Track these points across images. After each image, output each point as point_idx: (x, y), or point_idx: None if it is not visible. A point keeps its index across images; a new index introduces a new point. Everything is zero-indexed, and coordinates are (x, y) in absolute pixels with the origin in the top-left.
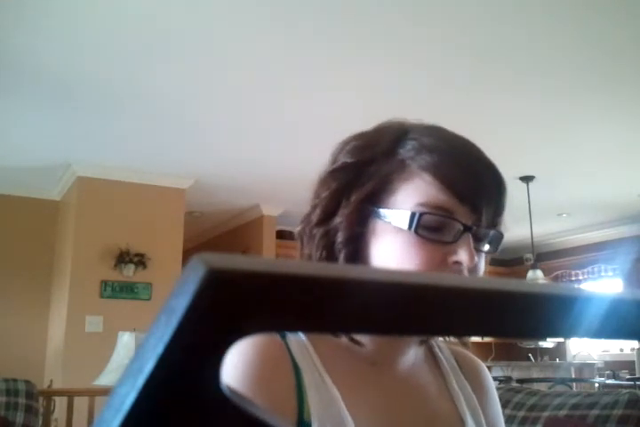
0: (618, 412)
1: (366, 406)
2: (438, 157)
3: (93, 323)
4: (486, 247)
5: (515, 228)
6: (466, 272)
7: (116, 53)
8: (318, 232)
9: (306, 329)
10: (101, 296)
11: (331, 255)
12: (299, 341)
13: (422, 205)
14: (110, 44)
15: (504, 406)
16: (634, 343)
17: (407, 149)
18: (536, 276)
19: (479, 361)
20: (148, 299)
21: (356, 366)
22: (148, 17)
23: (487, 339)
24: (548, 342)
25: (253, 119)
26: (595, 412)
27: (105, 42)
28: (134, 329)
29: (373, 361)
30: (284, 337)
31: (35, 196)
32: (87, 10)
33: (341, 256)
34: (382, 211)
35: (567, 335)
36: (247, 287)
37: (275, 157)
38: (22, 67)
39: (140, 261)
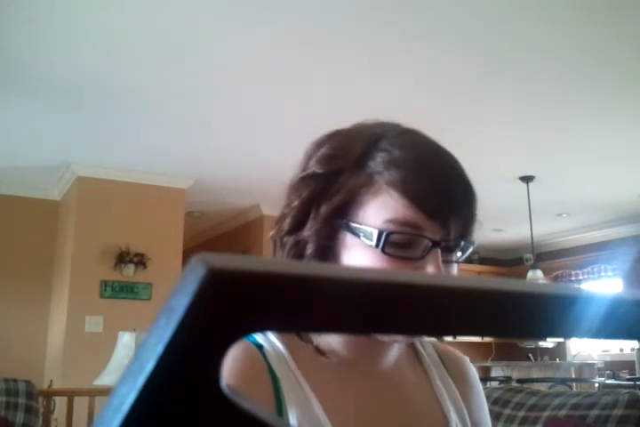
0: (618, 412)
1: (345, 410)
2: (406, 172)
3: (93, 323)
4: (456, 257)
5: (515, 228)
6: None
7: (116, 54)
8: (289, 241)
9: (306, 329)
10: (101, 296)
11: None
12: (276, 350)
13: (390, 221)
14: (110, 45)
15: (504, 405)
16: (634, 343)
17: (376, 163)
18: (536, 276)
19: (463, 356)
20: (148, 299)
21: (335, 371)
22: (147, 17)
23: (487, 339)
24: (548, 342)
25: (254, 119)
26: (595, 412)
27: (104, 42)
28: (134, 329)
29: (352, 364)
30: (260, 348)
31: (35, 196)
32: (87, 10)
33: None
34: (351, 225)
35: (567, 335)
36: (247, 287)
37: (275, 157)
38: (22, 68)
39: (140, 261)
